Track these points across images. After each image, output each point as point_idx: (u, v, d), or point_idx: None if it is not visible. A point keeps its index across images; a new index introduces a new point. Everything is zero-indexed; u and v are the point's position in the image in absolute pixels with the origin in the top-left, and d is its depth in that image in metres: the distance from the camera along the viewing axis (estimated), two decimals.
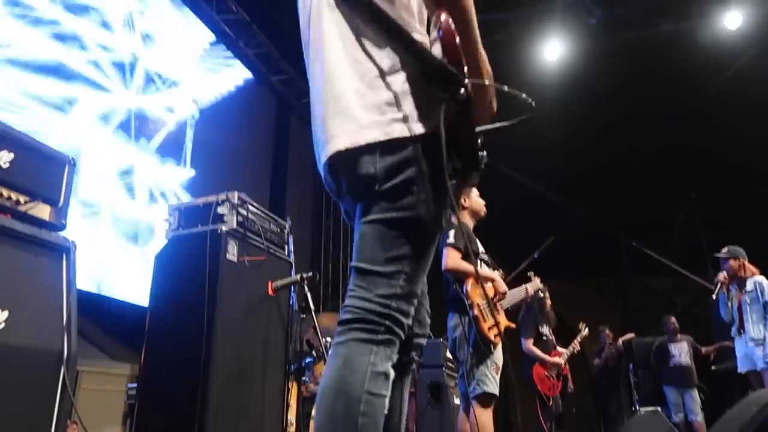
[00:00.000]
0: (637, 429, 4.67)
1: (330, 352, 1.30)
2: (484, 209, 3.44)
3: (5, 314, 1.77)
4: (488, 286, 3.31)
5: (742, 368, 4.91)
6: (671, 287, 8.74)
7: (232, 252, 2.68)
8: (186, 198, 5.53)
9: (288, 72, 7.73)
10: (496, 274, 3.38)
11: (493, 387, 3.13)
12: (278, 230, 3.15)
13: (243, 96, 7.12)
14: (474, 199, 3.46)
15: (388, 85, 1.32)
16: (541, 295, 5.52)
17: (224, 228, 2.68)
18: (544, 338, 5.42)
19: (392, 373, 1.27)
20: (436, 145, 1.24)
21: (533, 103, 1.38)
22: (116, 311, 4.65)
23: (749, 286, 4.89)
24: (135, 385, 3.46)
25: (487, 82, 1.33)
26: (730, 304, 4.98)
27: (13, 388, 1.76)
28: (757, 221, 8.04)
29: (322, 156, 1.38)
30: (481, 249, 3.46)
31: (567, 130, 7.52)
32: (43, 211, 2.02)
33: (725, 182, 8.35)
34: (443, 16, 1.25)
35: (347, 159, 1.31)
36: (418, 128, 1.29)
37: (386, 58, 1.35)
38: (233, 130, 6.76)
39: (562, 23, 7.19)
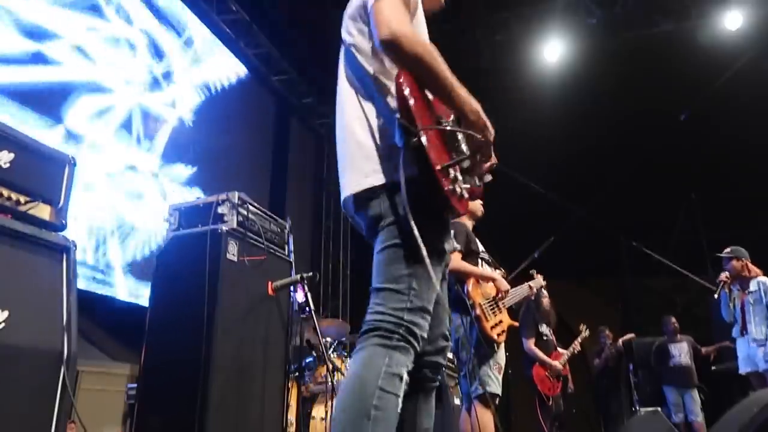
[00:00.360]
0: (637, 429, 4.66)
1: (351, 358, 1.49)
2: (482, 209, 3.44)
3: (5, 314, 1.77)
4: (489, 285, 3.31)
5: (743, 369, 4.90)
6: (671, 287, 8.74)
7: (233, 252, 2.68)
8: (187, 197, 5.53)
9: (288, 72, 7.73)
10: (498, 273, 3.38)
11: (495, 387, 3.14)
12: (278, 230, 3.15)
13: (243, 96, 7.12)
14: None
15: (377, 140, 1.57)
16: (538, 293, 5.55)
17: (224, 228, 2.68)
18: (545, 338, 5.43)
19: (406, 376, 1.42)
20: (418, 187, 1.44)
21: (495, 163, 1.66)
22: (116, 311, 4.65)
23: (752, 286, 4.87)
24: (135, 385, 3.45)
25: (445, 127, 1.53)
26: (732, 304, 4.96)
27: (13, 388, 1.76)
28: (757, 221, 8.03)
29: (342, 196, 1.67)
30: (481, 248, 3.45)
31: (567, 130, 7.53)
32: (43, 211, 2.02)
33: (725, 182, 8.35)
34: (398, 78, 1.47)
35: (358, 202, 1.59)
36: (402, 174, 1.46)
37: (374, 116, 1.60)
38: (233, 130, 6.76)
39: (562, 23, 7.19)
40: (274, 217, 3.15)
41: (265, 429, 2.75)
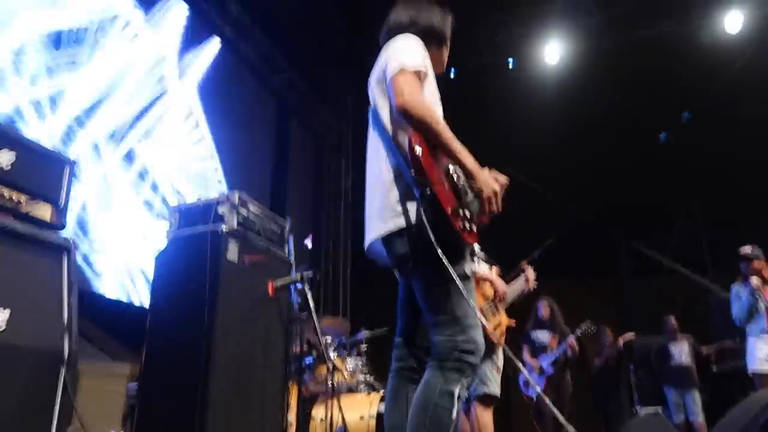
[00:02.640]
0: (637, 429, 4.65)
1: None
2: None
3: (6, 314, 1.77)
4: (487, 286, 3.31)
5: (766, 368, 4.77)
6: (671, 287, 8.74)
7: (233, 252, 2.68)
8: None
9: (288, 72, 7.73)
10: (494, 272, 3.39)
11: (494, 388, 3.15)
12: (278, 230, 3.15)
13: (243, 96, 7.11)
14: None
15: (399, 187, 1.84)
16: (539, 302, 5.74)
17: (225, 228, 2.68)
18: (537, 345, 5.65)
19: (458, 393, 1.73)
20: (439, 227, 1.73)
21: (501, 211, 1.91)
22: (116, 311, 4.65)
23: None
24: (135, 385, 3.45)
25: (453, 176, 1.82)
26: (755, 301, 4.83)
27: (14, 387, 1.76)
28: (757, 221, 8.03)
29: (366, 240, 1.96)
30: (477, 247, 3.46)
31: (567, 130, 7.52)
32: (43, 212, 2.02)
33: (725, 182, 8.35)
34: (410, 138, 1.76)
35: (385, 244, 1.88)
36: (425, 219, 1.74)
37: (398, 167, 1.86)
38: (233, 130, 6.75)
39: (562, 24, 7.19)
40: (275, 216, 3.16)
41: (265, 429, 2.76)
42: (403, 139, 1.84)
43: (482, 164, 1.89)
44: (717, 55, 6.96)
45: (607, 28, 7.13)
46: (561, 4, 7.09)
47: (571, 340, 5.78)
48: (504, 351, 3.29)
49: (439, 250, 1.69)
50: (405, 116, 1.78)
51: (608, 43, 7.22)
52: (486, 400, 3.14)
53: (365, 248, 1.97)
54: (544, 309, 6.02)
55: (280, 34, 7.30)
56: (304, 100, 8.39)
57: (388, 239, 1.85)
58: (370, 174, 1.98)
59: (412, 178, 1.76)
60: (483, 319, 3.12)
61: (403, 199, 1.82)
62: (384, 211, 1.86)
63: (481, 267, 3.37)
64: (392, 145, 1.88)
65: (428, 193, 1.71)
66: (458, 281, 1.71)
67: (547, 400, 2.01)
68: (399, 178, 1.84)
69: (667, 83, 7.33)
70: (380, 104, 1.95)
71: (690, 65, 7.09)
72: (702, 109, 7.28)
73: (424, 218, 1.73)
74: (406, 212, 1.81)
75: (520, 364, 5.07)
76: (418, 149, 1.73)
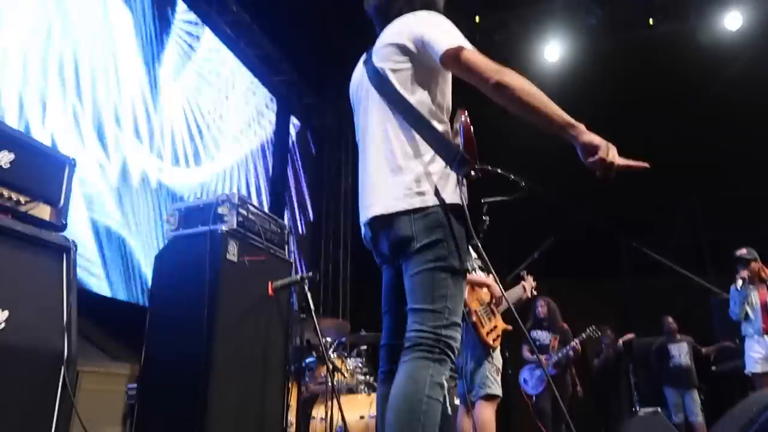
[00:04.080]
0: (637, 429, 4.66)
1: (398, 370, 1.66)
2: None
3: (5, 314, 1.77)
4: (483, 290, 3.35)
5: (757, 369, 4.81)
6: (671, 287, 8.73)
7: (233, 252, 2.68)
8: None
9: (288, 73, 7.73)
10: (490, 278, 3.41)
11: (496, 388, 3.18)
12: (278, 230, 3.15)
13: (243, 96, 7.11)
14: None
15: (415, 165, 1.74)
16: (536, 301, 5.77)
17: (224, 228, 2.68)
18: (537, 343, 5.65)
19: (446, 384, 1.64)
20: (454, 212, 1.69)
21: (523, 185, 1.86)
22: (116, 311, 4.64)
23: None
24: (135, 385, 3.45)
25: (490, 168, 1.74)
26: (747, 303, 4.88)
27: (13, 388, 1.76)
28: (757, 221, 8.03)
29: (363, 217, 1.85)
30: (473, 255, 3.48)
31: None
32: (43, 212, 2.02)
33: (725, 182, 8.35)
34: (464, 117, 1.70)
35: (384, 222, 1.76)
36: (440, 198, 1.70)
37: (415, 143, 1.76)
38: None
39: (562, 23, 7.19)
40: (274, 217, 3.16)
41: (265, 429, 2.75)
42: (428, 111, 1.77)
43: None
44: (717, 54, 6.96)
45: (607, 28, 7.13)
46: (561, 4, 7.09)
47: (575, 344, 5.83)
48: (501, 351, 3.32)
49: (473, 232, 1.64)
50: (504, 91, 1.63)
51: (608, 43, 7.22)
52: (489, 400, 3.16)
53: (366, 222, 1.84)
54: (541, 308, 6.05)
55: (280, 34, 7.29)
56: (304, 100, 8.39)
57: (394, 218, 1.73)
58: (370, 148, 1.86)
59: (459, 157, 1.67)
60: (478, 323, 3.17)
61: (421, 177, 1.72)
62: (397, 188, 1.74)
63: (478, 275, 3.40)
64: (413, 117, 1.77)
65: (474, 175, 1.66)
66: (463, 258, 1.64)
67: (557, 394, 2.01)
68: (417, 153, 1.75)
69: (667, 83, 7.33)
70: (399, 72, 1.81)
71: (690, 65, 7.09)
72: (702, 109, 7.27)
73: (463, 198, 1.66)
74: (421, 191, 1.71)
75: (539, 357, 5.08)
76: (471, 128, 1.67)
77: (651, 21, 7.01)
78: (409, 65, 1.80)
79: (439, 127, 1.79)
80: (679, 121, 7.44)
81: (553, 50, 7.31)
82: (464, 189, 1.68)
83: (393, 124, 1.80)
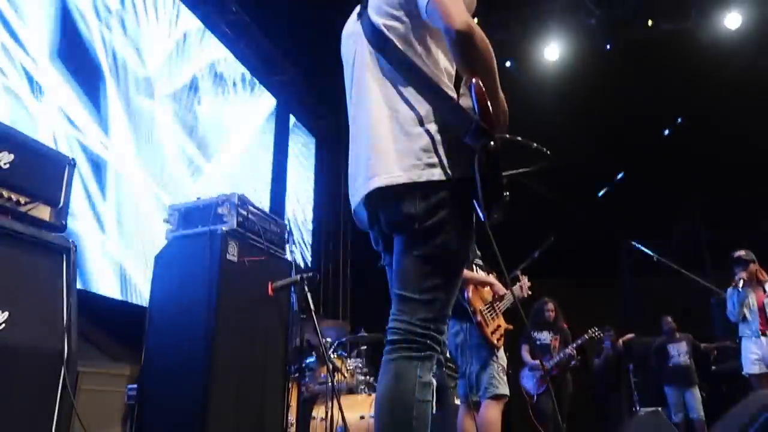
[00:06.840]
0: (637, 429, 4.65)
1: (382, 368, 1.51)
2: None
3: (5, 315, 1.77)
4: (486, 290, 3.34)
5: (753, 370, 4.82)
6: (671, 287, 8.74)
7: (232, 252, 2.68)
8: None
9: (288, 72, 7.72)
10: (492, 277, 3.41)
11: (504, 388, 3.18)
12: (278, 230, 3.15)
13: (243, 96, 7.11)
14: None
15: (423, 133, 1.52)
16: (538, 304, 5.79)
17: (224, 228, 2.68)
18: (538, 342, 5.66)
19: (434, 382, 1.50)
20: (465, 189, 1.45)
21: (547, 152, 1.65)
22: (116, 311, 4.64)
23: None
24: (135, 386, 3.45)
25: (507, 136, 1.55)
26: (744, 305, 4.91)
27: (14, 388, 1.76)
28: (757, 221, 8.03)
29: (362, 190, 1.59)
30: (478, 253, 3.49)
31: (566, 130, 7.52)
32: (43, 212, 2.02)
33: (725, 182, 8.35)
34: (475, 80, 1.42)
35: (386, 196, 1.53)
36: (451, 173, 1.49)
37: (421, 108, 1.55)
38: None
39: (562, 23, 7.19)
40: (274, 217, 3.16)
41: (265, 429, 2.75)
42: (435, 73, 1.57)
43: None
44: (717, 53, 6.96)
45: (607, 28, 7.13)
46: (561, 4, 7.09)
47: (577, 345, 5.85)
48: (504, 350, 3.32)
49: (487, 215, 1.41)
50: (464, 43, 1.42)
51: (608, 43, 7.22)
52: (497, 398, 3.16)
53: (362, 199, 1.60)
54: (549, 311, 6.06)
55: (280, 34, 7.29)
56: (304, 100, 8.39)
57: (398, 191, 1.50)
58: (367, 117, 1.62)
59: (474, 125, 1.42)
60: (483, 323, 3.17)
61: (428, 148, 1.50)
62: (404, 157, 1.51)
63: (480, 274, 3.40)
64: (419, 81, 1.55)
65: (493, 146, 1.40)
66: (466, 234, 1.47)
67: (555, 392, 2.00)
68: (427, 122, 1.53)
69: (667, 83, 7.33)
70: (400, 31, 1.60)
71: (690, 64, 7.09)
72: (702, 109, 7.27)
73: (477, 173, 1.40)
74: (428, 164, 1.49)
75: (539, 358, 5.03)
76: (486, 93, 1.42)
77: (650, 21, 7.00)
78: (406, 20, 1.60)
79: (449, 92, 1.57)
80: (679, 121, 7.43)
81: (553, 50, 7.31)
82: (481, 162, 1.41)
83: (396, 87, 1.58)
